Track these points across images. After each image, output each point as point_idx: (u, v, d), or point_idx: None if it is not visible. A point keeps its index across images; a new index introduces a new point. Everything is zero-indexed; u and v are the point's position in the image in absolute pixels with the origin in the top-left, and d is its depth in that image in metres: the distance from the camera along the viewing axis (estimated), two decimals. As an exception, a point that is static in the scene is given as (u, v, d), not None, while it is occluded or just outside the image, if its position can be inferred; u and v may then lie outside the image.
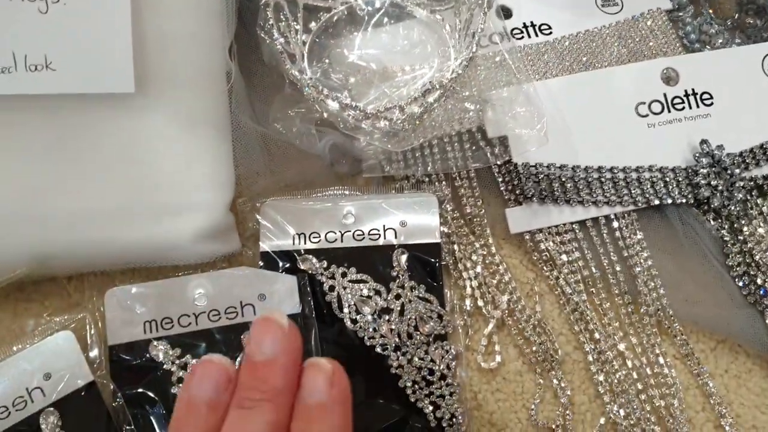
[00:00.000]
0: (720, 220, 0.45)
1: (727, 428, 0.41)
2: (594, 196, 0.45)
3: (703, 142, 0.46)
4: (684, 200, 0.45)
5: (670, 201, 0.45)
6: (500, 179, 0.46)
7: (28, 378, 0.38)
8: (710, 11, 0.53)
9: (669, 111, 0.47)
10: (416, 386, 0.40)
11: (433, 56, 0.48)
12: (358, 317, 0.41)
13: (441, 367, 0.40)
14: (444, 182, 0.46)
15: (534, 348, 0.42)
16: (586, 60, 0.49)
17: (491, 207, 0.46)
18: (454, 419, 0.40)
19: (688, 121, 0.47)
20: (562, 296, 0.44)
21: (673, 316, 0.43)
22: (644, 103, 0.47)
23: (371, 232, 0.43)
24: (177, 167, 0.40)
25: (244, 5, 0.47)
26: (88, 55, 0.36)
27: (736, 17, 0.53)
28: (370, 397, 0.40)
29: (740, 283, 0.44)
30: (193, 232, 0.39)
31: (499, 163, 0.46)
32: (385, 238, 0.43)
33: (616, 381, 0.41)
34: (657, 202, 0.45)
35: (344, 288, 0.41)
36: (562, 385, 0.42)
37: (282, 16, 0.45)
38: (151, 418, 0.38)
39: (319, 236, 0.43)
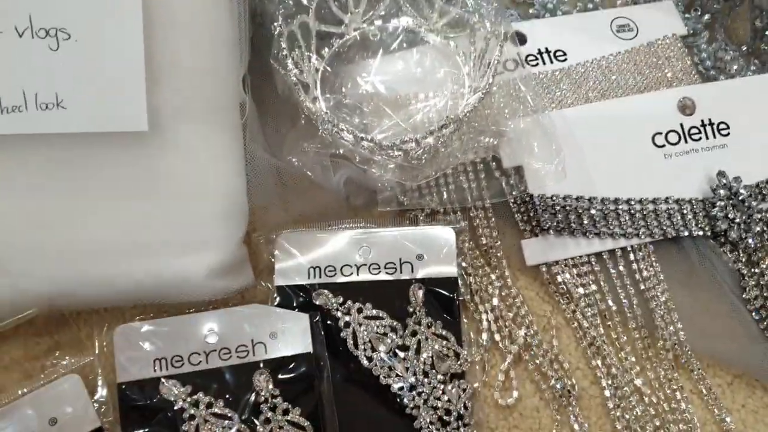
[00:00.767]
0: (737, 253, 0.45)
1: (744, 465, 0.41)
2: (611, 228, 0.44)
3: (720, 173, 0.45)
4: (701, 232, 0.45)
5: (686, 233, 0.45)
6: (516, 210, 0.46)
7: (33, 423, 0.37)
8: (725, 37, 0.53)
9: (686, 141, 0.46)
10: (432, 427, 0.39)
11: (446, 84, 0.48)
12: (373, 355, 0.40)
13: (458, 407, 0.40)
14: (459, 213, 0.45)
15: (551, 383, 0.42)
16: (601, 88, 0.49)
17: (507, 238, 0.46)
18: (471, 458, 0.39)
19: (705, 151, 0.46)
20: (579, 330, 0.44)
21: (689, 350, 0.43)
22: (661, 133, 0.47)
23: (387, 266, 0.42)
24: (190, 203, 0.39)
25: (258, 34, 0.46)
26: (100, 93, 0.36)
27: (750, 43, 0.52)
28: (386, 437, 0.39)
29: (757, 317, 0.44)
30: (206, 268, 0.39)
31: (514, 193, 0.45)
32: (401, 272, 0.42)
33: (633, 417, 0.41)
34: (674, 234, 0.45)
35: (360, 324, 0.41)
36: (580, 420, 0.41)
37: (295, 45, 0.45)
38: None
39: (335, 270, 0.42)
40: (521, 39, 0.50)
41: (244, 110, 0.42)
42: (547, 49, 0.50)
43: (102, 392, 0.39)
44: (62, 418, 0.37)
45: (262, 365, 0.38)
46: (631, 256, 0.45)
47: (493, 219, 0.46)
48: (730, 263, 0.45)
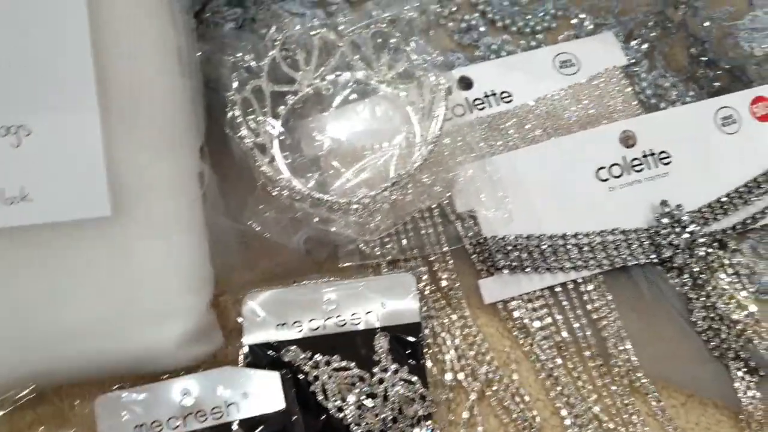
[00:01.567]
0: (683, 277, 0.47)
1: (700, 481, 0.43)
2: (561, 263, 0.47)
3: (663, 203, 0.48)
4: (648, 260, 0.47)
5: (634, 262, 0.47)
6: (472, 251, 0.48)
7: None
8: (664, 64, 0.55)
9: (629, 173, 0.49)
10: (402, 469, 0.42)
11: (399, 133, 0.50)
12: (344, 405, 0.42)
13: (426, 449, 0.42)
14: (419, 258, 0.48)
15: (513, 416, 0.44)
16: (546, 126, 0.51)
17: (466, 278, 0.48)
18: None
19: (647, 181, 0.49)
20: (537, 362, 0.46)
21: (643, 374, 0.45)
22: (604, 167, 0.49)
23: (353, 317, 0.45)
24: (155, 276, 0.41)
25: (212, 99, 0.48)
26: (63, 183, 0.38)
27: (688, 69, 0.55)
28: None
29: (704, 338, 0.46)
30: (176, 338, 0.41)
31: (470, 235, 0.48)
32: (366, 321, 0.44)
33: (593, 444, 0.44)
34: (621, 264, 0.47)
35: (329, 377, 0.43)
36: (543, 450, 0.44)
37: (249, 111, 0.47)
38: None
39: (302, 325, 0.44)
40: (468, 84, 0.52)
41: (204, 181, 0.43)
42: (493, 91, 0.52)
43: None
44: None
45: (236, 426, 0.41)
46: (582, 288, 0.47)
47: (451, 261, 0.48)
48: (677, 288, 0.47)
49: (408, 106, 0.50)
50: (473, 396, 0.44)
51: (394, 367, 0.43)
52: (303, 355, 0.43)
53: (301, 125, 0.50)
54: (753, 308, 0.46)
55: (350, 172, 0.47)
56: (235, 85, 0.45)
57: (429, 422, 0.43)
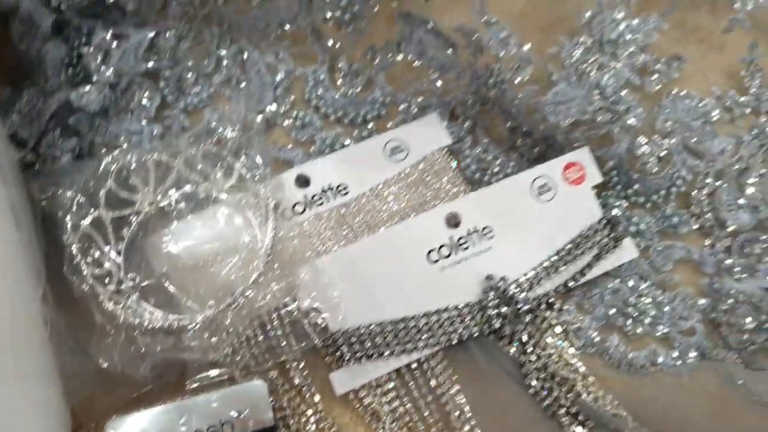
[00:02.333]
0: (515, 343, 0.52)
1: None
2: (403, 345, 0.50)
3: (488, 277, 0.52)
4: (480, 333, 0.51)
5: (467, 336, 0.51)
6: (321, 345, 0.51)
7: None
8: (486, 138, 0.59)
9: (456, 253, 0.53)
10: None
11: (242, 238, 0.52)
12: None
13: None
14: (271, 361, 0.51)
15: (373, 499, 0.48)
16: (380, 216, 0.55)
17: (319, 370, 0.51)
18: None
19: (474, 257, 0.53)
20: (390, 446, 0.50)
21: (486, 441, 0.50)
22: (434, 249, 0.53)
23: (209, 430, 0.47)
24: (8, 426, 0.42)
25: (50, 236, 0.49)
26: None
27: (508, 139, 0.59)
28: None
29: (539, 399, 0.51)
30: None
31: (318, 332, 0.51)
32: (222, 433, 0.47)
33: None
34: (458, 339, 0.51)
35: (189, 494, 0.45)
36: None
37: (91, 244, 0.49)
38: None
39: (161, 447, 0.47)
40: (306, 181, 0.56)
41: (48, 325, 0.45)
42: (330, 186, 0.56)
43: None
44: None
45: None
46: (426, 365, 0.51)
47: (303, 361, 0.51)
48: (510, 354, 0.52)
49: (248, 210, 0.53)
50: (334, 487, 0.48)
51: (253, 473, 0.46)
52: (163, 478, 0.46)
53: (147, 244, 0.52)
54: (579, 364, 0.51)
55: (195, 287, 0.50)
56: (69, 225, 0.47)
57: None
